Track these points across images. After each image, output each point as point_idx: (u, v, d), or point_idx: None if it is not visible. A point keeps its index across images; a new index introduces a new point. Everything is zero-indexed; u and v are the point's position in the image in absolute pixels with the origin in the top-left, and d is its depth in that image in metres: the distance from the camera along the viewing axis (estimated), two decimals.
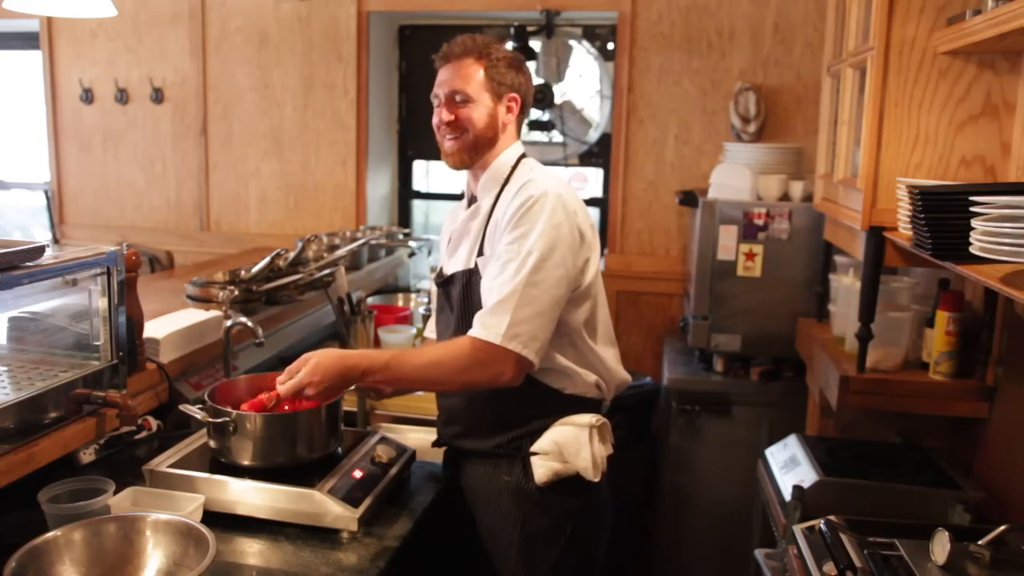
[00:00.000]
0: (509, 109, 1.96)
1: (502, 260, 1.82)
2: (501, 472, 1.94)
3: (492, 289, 1.81)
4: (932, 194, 1.66)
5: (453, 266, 2.03)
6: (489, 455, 1.96)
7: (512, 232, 1.82)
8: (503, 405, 1.92)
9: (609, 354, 2.00)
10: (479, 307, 1.85)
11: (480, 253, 1.93)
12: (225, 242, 4.34)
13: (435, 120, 1.97)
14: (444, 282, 2.04)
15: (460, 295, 1.96)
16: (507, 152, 1.99)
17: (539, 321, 1.78)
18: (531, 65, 4.03)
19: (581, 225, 1.87)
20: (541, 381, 1.91)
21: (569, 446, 1.89)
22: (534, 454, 1.90)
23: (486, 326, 1.77)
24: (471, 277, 1.94)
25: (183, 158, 4.39)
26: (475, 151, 1.96)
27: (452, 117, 1.93)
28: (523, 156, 2.01)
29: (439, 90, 1.95)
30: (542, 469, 1.89)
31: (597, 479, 1.91)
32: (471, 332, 1.79)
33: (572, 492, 1.92)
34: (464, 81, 1.92)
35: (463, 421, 2.01)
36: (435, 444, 2.13)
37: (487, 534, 1.97)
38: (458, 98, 1.92)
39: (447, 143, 1.96)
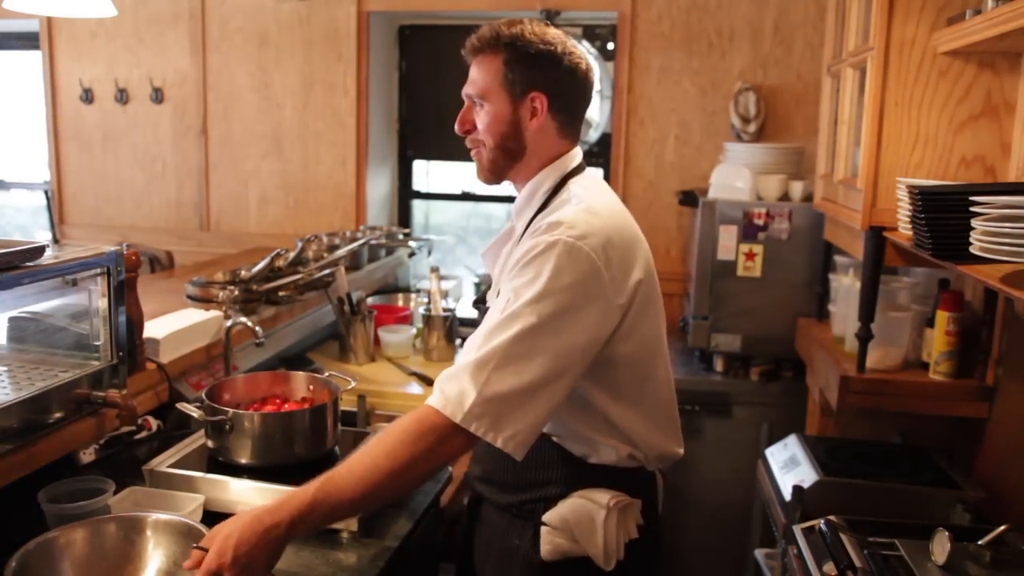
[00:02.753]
0: (533, 112, 1.58)
1: (496, 305, 1.50)
2: (513, 534, 1.66)
3: (472, 341, 1.48)
4: (932, 194, 1.66)
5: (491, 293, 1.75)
6: (504, 511, 1.69)
7: (516, 277, 1.48)
8: (523, 462, 1.53)
9: (644, 424, 1.63)
10: None
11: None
12: (225, 242, 4.34)
13: None
14: (479, 304, 1.80)
15: None
16: (551, 167, 1.63)
17: (516, 400, 1.41)
18: None
19: (613, 286, 1.48)
20: (561, 445, 1.62)
21: (582, 525, 1.58)
22: (545, 524, 1.61)
23: (446, 395, 1.42)
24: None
25: (183, 158, 4.39)
26: (497, 166, 1.63)
27: (466, 126, 1.64)
28: (573, 173, 1.63)
29: (463, 92, 1.66)
30: (549, 545, 1.59)
31: (609, 568, 1.59)
32: (429, 400, 1.44)
33: (583, 574, 1.61)
34: (479, 79, 1.60)
35: (484, 464, 1.74)
36: (467, 478, 1.88)
37: None
38: (477, 101, 1.61)
39: (473, 156, 1.67)
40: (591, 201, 1.56)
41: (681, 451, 1.72)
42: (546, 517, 1.61)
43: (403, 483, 1.46)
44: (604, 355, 1.52)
